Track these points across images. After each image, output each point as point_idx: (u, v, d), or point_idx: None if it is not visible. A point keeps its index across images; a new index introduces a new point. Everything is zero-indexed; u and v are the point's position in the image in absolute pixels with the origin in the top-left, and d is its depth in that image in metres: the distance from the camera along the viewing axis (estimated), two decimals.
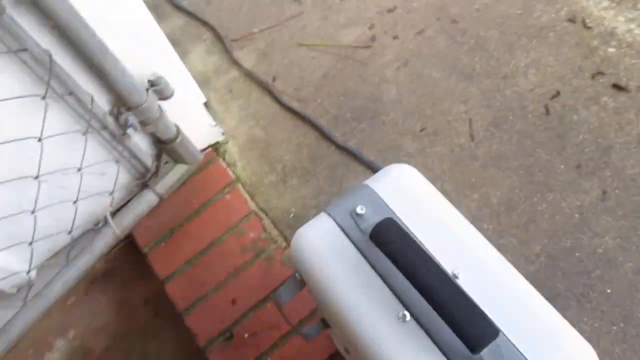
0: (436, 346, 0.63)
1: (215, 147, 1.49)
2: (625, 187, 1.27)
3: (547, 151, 1.35)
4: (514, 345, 0.61)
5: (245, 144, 1.50)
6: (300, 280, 0.76)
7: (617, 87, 1.40)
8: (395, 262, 0.62)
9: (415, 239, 0.66)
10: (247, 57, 1.65)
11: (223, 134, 1.50)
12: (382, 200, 0.73)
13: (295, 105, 1.52)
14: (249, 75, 1.61)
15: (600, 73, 1.43)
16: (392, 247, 0.62)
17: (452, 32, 1.58)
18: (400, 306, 0.66)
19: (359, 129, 1.46)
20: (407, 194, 0.74)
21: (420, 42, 1.58)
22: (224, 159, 1.47)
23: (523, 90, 1.44)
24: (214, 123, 1.46)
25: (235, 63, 1.64)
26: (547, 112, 1.40)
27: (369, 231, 0.68)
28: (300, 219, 1.35)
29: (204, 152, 1.44)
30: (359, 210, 0.72)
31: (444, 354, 0.63)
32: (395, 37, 1.60)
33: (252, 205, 1.39)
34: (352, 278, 0.69)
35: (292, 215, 1.37)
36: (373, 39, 1.60)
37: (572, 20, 1.53)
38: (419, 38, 1.58)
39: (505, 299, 0.65)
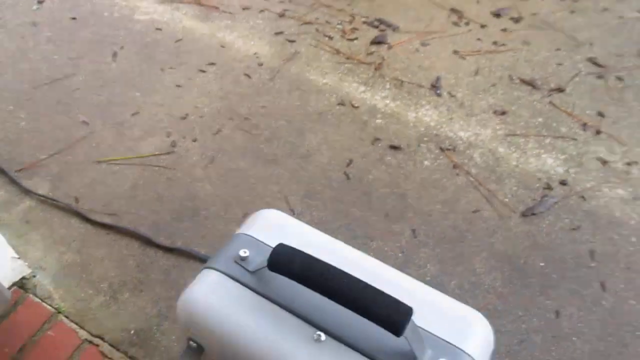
0: (359, 353, 0.65)
1: (22, 284, 1.30)
2: (427, 222, 1.48)
3: (359, 209, 1.51)
4: (418, 325, 0.67)
5: (59, 272, 1.34)
6: (197, 347, 0.70)
7: (393, 147, 1.67)
8: (302, 279, 0.64)
9: None
10: (40, 184, 1.52)
11: (29, 267, 1.32)
12: (261, 241, 0.75)
13: (108, 220, 1.44)
14: (47, 202, 1.48)
15: (377, 139, 1.69)
16: (296, 266, 0.64)
17: (246, 127, 1.71)
18: (312, 329, 0.66)
19: (183, 228, 1.44)
20: (281, 230, 0.77)
21: (219, 140, 1.66)
22: (35, 295, 1.29)
23: (322, 163, 1.61)
24: (16, 255, 1.28)
25: (27, 192, 1.49)
26: (348, 177, 1.58)
27: (262, 266, 0.69)
28: (145, 333, 1.23)
29: (10, 290, 1.24)
30: (242, 254, 0.72)
31: (369, 356, 0.64)
32: (195, 140, 1.66)
33: (83, 334, 1.23)
34: (257, 319, 0.67)
35: (133, 331, 1.24)
36: (174, 144, 1.64)
37: (342, 103, 1.81)
38: (218, 137, 1.67)
39: (395, 289, 0.70)
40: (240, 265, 0.72)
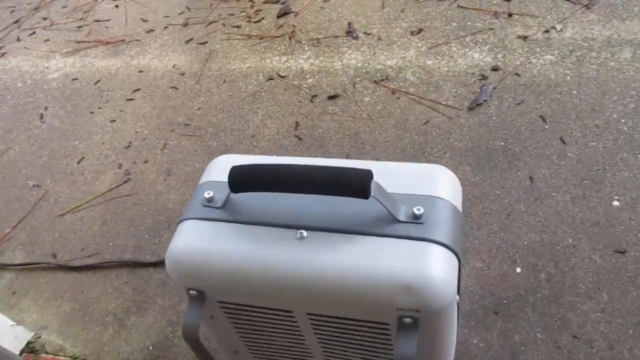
0: (340, 232, 0.68)
1: (30, 349, 1.29)
2: (386, 148, 1.52)
3: None
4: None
5: (62, 324, 1.33)
6: (197, 295, 0.72)
7: (332, 97, 1.71)
8: (265, 185, 0.66)
9: None
10: (14, 256, 1.51)
11: (31, 330, 1.31)
12: (220, 181, 0.77)
13: (90, 261, 1.44)
14: (26, 269, 1.47)
15: (315, 96, 1.73)
16: (255, 176, 0.67)
17: (190, 132, 1.72)
18: (292, 231, 0.69)
19: (164, 240, 1.45)
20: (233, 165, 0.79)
21: (169, 152, 1.68)
22: (47, 353, 1.28)
23: (272, 135, 1.64)
24: (14, 323, 1.28)
25: (4, 267, 1.48)
26: (300, 138, 1.62)
27: (227, 196, 0.72)
28: (163, 344, 1.24)
29: (22, 357, 1.24)
30: (206, 195, 0.75)
31: (350, 231, 0.67)
32: (146, 161, 1.67)
33: None
34: (240, 243, 0.70)
35: (152, 347, 1.25)
36: (127, 172, 1.65)
37: (271, 78, 1.84)
38: (167, 150, 1.69)
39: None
40: (209, 206, 0.74)
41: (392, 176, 0.72)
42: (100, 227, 1.53)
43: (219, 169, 0.80)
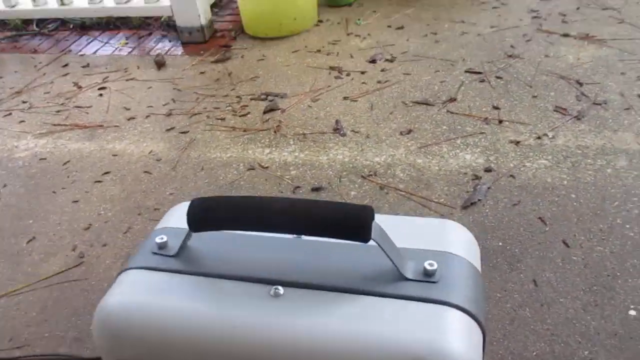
0: (327, 290, 0.52)
1: None
2: None
3: None
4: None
5: None
6: None
7: (316, 189, 1.60)
8: (235, 221, 0.51)
9: None
10: None
11: None
12: (178, 227, 0.62)
13: (17, 354, 1.20)
14: None
15: (297, 187, 1.62)
16: (221, 210, 0.52)
17: (158, 217, 1.57)
18: (265, 287, 0.53)
19: None
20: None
21: (132, 237, 1.51)
22: None
23: None
24: None
25: None
26: None
27: (185, 241, 0.56)
28: None
29: None
30: (158, 240, 0.59)
31: (340, 289, 0.52)
32: (104, 245, 1.49)
33: None
34: (199, 301, 0.53)
35: None
36: (81, 255, 1.46)
37: (252, 168, 1.73)
38: (129, 234, 1.52)
39: None
40: (160, 254, 0.58)
41: (396, 229, 0.58)
42: (38, 314, 1.30)
43: (177, 215, 0.65)
